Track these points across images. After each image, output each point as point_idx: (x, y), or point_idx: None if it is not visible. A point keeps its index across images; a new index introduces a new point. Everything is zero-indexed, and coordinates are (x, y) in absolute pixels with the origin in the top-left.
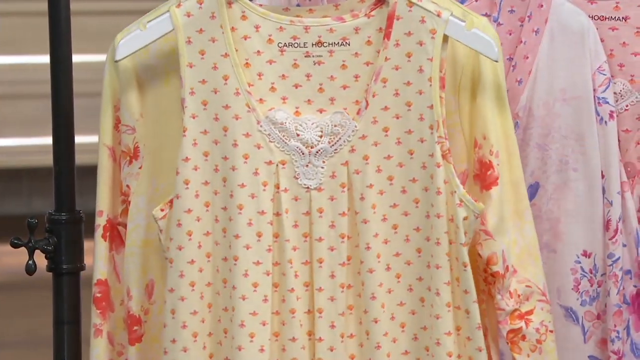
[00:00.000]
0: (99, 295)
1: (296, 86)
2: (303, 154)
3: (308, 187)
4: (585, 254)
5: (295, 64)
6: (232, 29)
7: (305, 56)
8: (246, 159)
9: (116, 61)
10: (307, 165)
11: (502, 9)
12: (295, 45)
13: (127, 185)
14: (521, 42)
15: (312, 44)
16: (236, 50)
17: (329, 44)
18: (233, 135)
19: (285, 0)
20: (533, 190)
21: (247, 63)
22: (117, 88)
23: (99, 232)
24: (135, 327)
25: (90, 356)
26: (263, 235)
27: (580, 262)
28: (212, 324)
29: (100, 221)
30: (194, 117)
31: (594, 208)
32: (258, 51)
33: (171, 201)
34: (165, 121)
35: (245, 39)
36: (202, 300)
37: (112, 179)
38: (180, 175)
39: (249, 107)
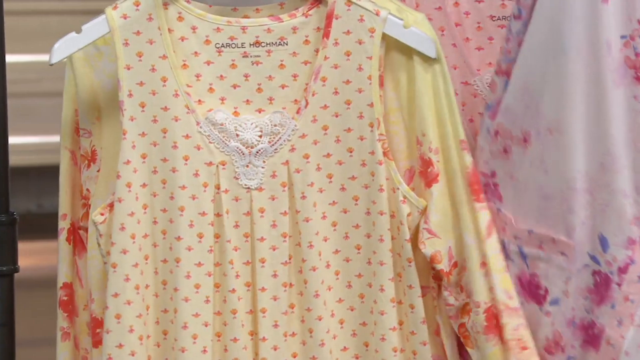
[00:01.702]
0: (65, 298)
1: (234, 86)
2: (243, 154)
3: (248, 188)
4: None
5: (233, 64)
6: (169, 30)
7: (243, 56)
8: (186, 160)
9: (50, 64)
10: (247, 166)
11: None
12: (233, 45)
13: (87, 189)
14: None
15: (250, 44)
16: (174, 52)
17: (266, 44)
18: (173, 137)
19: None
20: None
21: (184, 64)
22: (75, 92)
23: (63, 235)
24: (98, 330)
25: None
26: (204, 236)
27: None
28: (151, 326)
29: (64, 224)
30: (132, 120)
31: None
32: (195, 52)
33: (111, 205)
34: (120, 125)
35: (182, 40)
36: (143, 302)
37: (74, 182)
38: (122, 179)
39: (188, 109)
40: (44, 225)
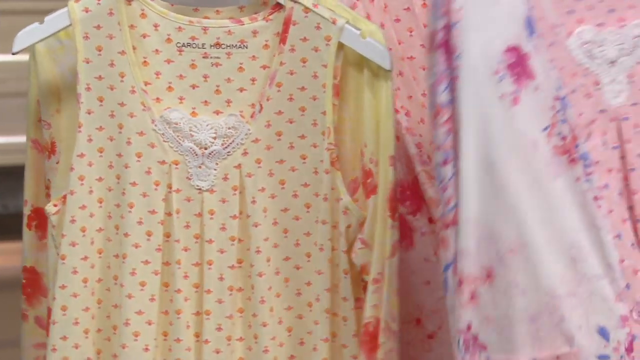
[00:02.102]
0: (24, 281)
1: (193, 87)
2: (196, 155)
3: (200, 189)
4: None
5: (193, 64)
6: (132, 26)
7: (203, 57)
8: (139, 157)
9: (13, 54)
10: (200, 167)
11: None
12: (194, 45)
13: (49, 179)
14: None
15: (210, 45)
16: (135, 48)
17: (226, 46)
18: (127, 133)
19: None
20: None
21: (145, 61)
22: (37, 84)
23: (24, 221)
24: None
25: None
26: (153, 234)
27: None
28: (101, 320)
29: (26, 210)
30: (89, 113)
31: None
32: (156, 50)
33: (64, 197)
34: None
35: (144, 37)
36: (92, 296)
37: (37, 170)
38: (75, 172)
39: (144, 106)
40: (8, 227)
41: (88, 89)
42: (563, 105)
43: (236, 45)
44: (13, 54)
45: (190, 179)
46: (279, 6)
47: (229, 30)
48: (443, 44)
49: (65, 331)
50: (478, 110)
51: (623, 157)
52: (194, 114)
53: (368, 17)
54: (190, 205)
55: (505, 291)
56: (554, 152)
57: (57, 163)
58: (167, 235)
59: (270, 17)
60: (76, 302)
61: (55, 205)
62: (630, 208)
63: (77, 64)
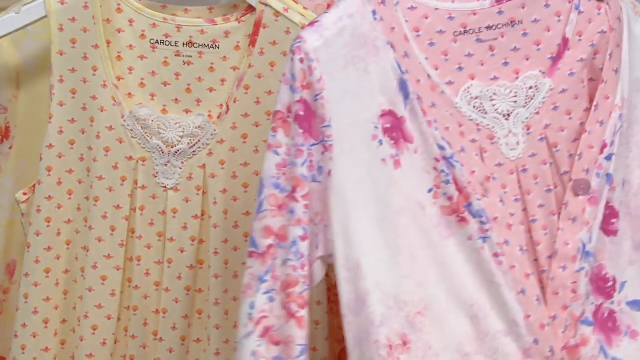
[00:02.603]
0: None
1: (165, 84)
2: (163, 152)
3: (165, 187)
4: None
5: (165, 61)
6: (108, 20)
7: (175, 55)
8: (107, 152)
9: None
10: (166, 165)
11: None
12: (167, 43)
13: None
14: (613, 29)
15: (183, 44)
16: (109, 43)
17: (199, 45)
18: (97, 127)
19: None
20: (622, 186)
21: (119, 56)
22: None
23: None
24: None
25: None
26: (117, 229)
27: None
28: (67, 311)
29: None
30: (61, 105)
31: None
32: (130, 45)
33: (34, 186)
34: (38, 105)
35: (119, 32)
36: (57, 287)
37: None
38: (43, 162)
39: (115, 101)
40: None
41: (61, 81)
42: (448, 165)
43: (208, 45)
44: None
45: (156, 176)
46: (251, 8)
47: (202, 30)
48: (299, 118)
49: (25, 319)
50: (363, 176)
51: (525, 209)
52: (164, 111)
53: None
54: (155, 203)
55: (423, 356)
56: (441, 213)
57: (10, 148)
58: (132, 231)
59: (243, 18)
60: (37, 291)
61: (25, 194)
62: (535, 260)
63: (50, 56)
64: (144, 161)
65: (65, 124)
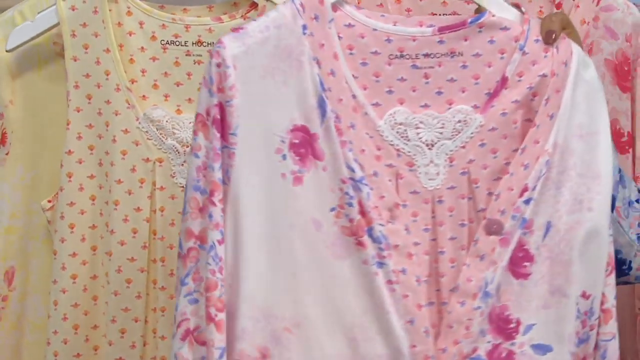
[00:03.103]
0: None
1: (177, 84)
2: (179, 152)
3: (183, 187)
4: (584, 295)
5: (177, 62)
6: (119, 24)
7: (186, 55)
8: (124, 155)
9: (7, 51)
10: (182, 164)
11: (529, 38)
12: (177, 43)
13: None
14: (554, 74)
15: (193, 43)
16: (121, 46)
17: (208, 44)
18: (113, 131)
19: None
20: (545, 231)
21: (131, 59)
22: None
23: None
24: None
25: None
26: (138, 232)
27: (578, 304)
28: (97, 317)
29: None
30: (78, 111)
31: (602, 250)
32: (142, 47)
33: (57, 194)
34: (39, 110)
35: (130, 35)
36: (85, 293)
37: None
38: (64, 168)
39: (129, 104)
40: None
41: (76, 86)
42: (355, 187)
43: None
44: (7, 51)
45: (173, 176)
46: (254, 5)
47: (210, 29)
48: (217, 121)
49: (56, 326)
50: (259, 187)
51: (435, 240)
52: (178, 111)
53: None
54: (175, 203)
55: None
56: (341, 232)
57: (7, 154)
58: (154, 233)
59: (248, 15)
60: (65, 297)
61: (49, 201)
62: (438, 291)
63: (65, 62)
64: (160, 162)
65: (84, 130)
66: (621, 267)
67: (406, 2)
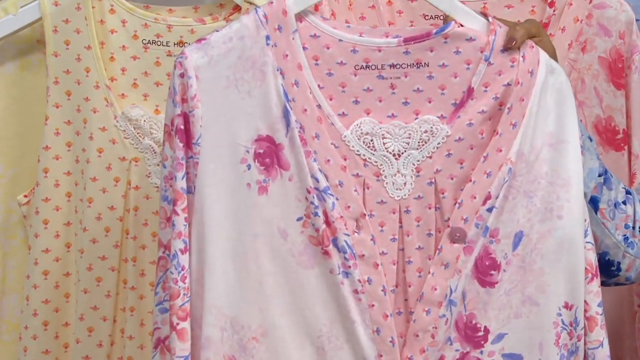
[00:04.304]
0: None
1: (157, 84)
2: (155, 152)
3: (158, 187)
4: (567, 306)
5: (157, 62)
6: (101, 21)
7: (167, 55)
8: (100, 153)
9: None
10: (159, 164)
11: (494, 48)
12: (159, 43)
13: None
14: (518, 83)
15: (174, 44)
16: (103, 44)
17: (189, 45)
18: (90, 128)
19: None
20: (517, 240)
21: (112, 57)
22: None
23: None
24: None
25: None
26: (111, 230)
27: (561, 315)
28: (69, 315)
29: None
30: (57, 107)
31: (577, 258)
32: (123, 46)
33: (33, 188)
34: (21, 108)
35: (112, 33)
36: (57, 289)
37: None
38: (40, 164)
39: (107, 102)
40: None
41: (56, 82)
42: (319, 197)
43: None
44: None
45: (149, 176)
46: (238, 7)
47: (192, 30)
48: (180, 131)
49: (26, 321)
50: (224, 197)
51: (402, 250)
52: (157, 111)
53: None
54: (149, 203)
55: None
56: (309, 241)
57: None
58: (127, 232)
59: (231, 17)
60: (36, 293)
61: (25, 196)
62: (406, 300)
63: (46, 58)
64: (137, 161)
65: (62, 126)
66: (610, 268)
67: (398, 4)
